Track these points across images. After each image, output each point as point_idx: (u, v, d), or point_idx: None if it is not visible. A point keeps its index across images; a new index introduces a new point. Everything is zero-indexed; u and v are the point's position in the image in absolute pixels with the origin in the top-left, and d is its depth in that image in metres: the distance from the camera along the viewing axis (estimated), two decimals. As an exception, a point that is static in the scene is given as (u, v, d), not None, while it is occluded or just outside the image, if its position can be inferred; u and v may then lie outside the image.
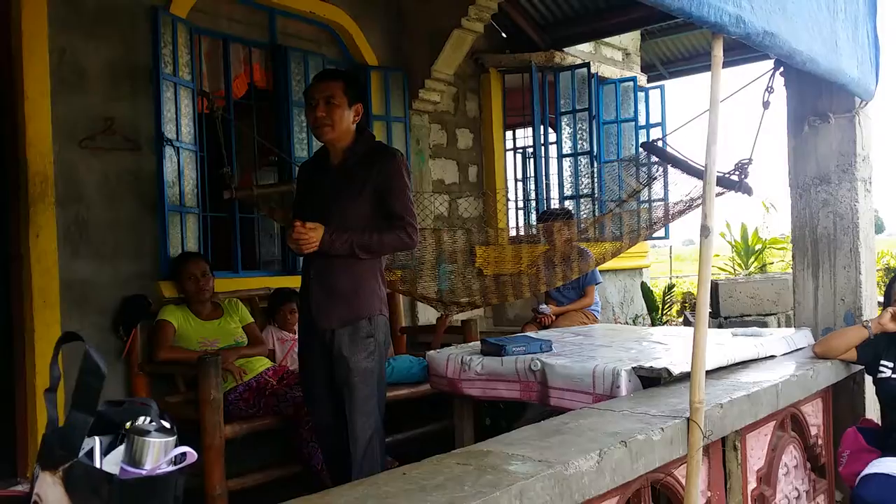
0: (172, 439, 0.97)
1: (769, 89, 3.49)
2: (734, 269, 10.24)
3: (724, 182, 3.88)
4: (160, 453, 0.95)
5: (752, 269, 9.92)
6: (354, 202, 2.95)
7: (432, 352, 3.31)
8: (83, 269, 3.87)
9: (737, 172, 3.82)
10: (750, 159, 3.82)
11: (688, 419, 2.04)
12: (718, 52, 2.11)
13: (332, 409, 3.06)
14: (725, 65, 8.22)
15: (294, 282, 4.69)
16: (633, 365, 2.66)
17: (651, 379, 2.62)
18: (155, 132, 4.15)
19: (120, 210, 4.03)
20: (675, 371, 2.52)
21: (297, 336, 4.21)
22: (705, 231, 2.06)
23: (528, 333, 3.97)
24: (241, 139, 5.03)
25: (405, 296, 5.15)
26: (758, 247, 10.22)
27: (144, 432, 0.96)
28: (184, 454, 0.97)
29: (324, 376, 3.03)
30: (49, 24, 3.79)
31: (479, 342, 3.34)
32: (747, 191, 3.82)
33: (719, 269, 10.41)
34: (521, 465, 1.63)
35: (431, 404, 4.21)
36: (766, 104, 3.51)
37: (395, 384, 4.25)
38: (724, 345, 3.09)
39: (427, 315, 5.58)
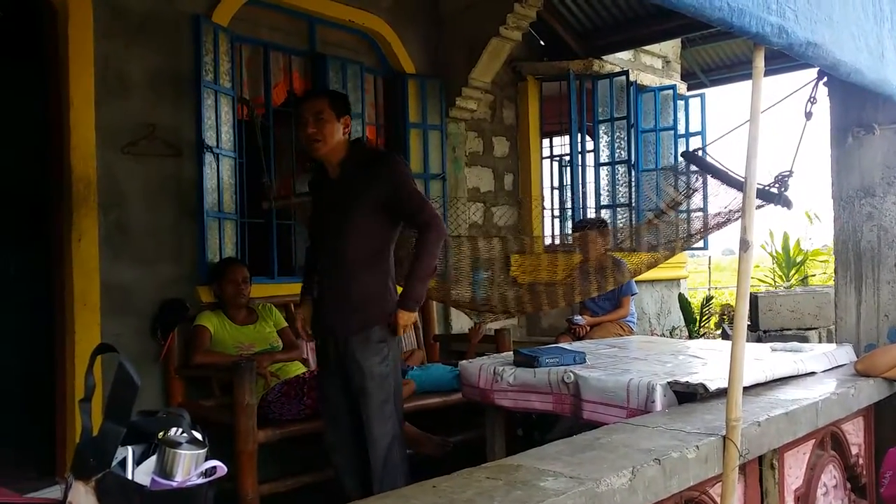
0: (203, 451, 0.98)
1: (812, 100, 3.41)
2: (774, 281, 10.05)
3: (764, 195, 3.81)
4: (191, 465, 0.95)
5: (793, 281, 9.72)
6: (359, 213, 3.03)
7: (465, 361, 3.30)
8: (123, 273, 3.94)
9: (777, 185, 3.75)
10: (791, 171, 3.74)
11: (724, 437, 2.00)
12: (760, 62, 2.08)
13: (349, 421, 3.13)
14: (767, 73, 8.06)
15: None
16: (669, 379, 2.62)
17: (687, 394, 2.58)
18: (196, 139, 4.21)
19: (160, 215, 4.10)
20: (712, 387, 2.48)
21: None
22: (744, 245, 2.03)
23: (561, 345, 3.94)
24: (280, 146, 5.09)
25: (439, 302, 5.15)
26: (799, 258, 10.01)
27: (176, 444, 0.97)
28: (214, 467, 0.97)
29: (340, 386, 3.12)
30: (94, 33, 3.88)
31: (511, 353, 3.32)
32: (787, 204, 3.74)
33: (759, 280, 10.22)
34: (552, 482, 1.62)
35: (464, 413, 4.20)
36: (808, 115, 3.43)
37: (427, 392, 4.27)
38: (762, 360, 3.03)
39: (461, 323, 5.57)
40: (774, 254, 10.21)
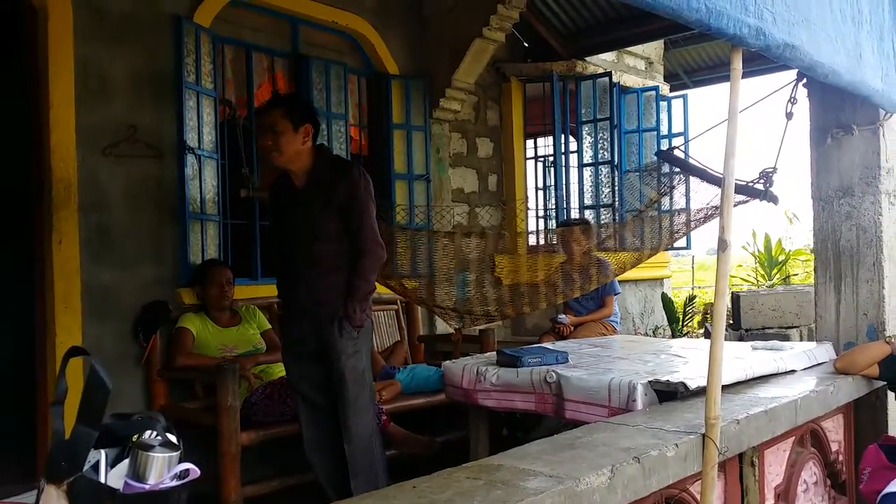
0: (176, 454, 0.98)
1: (792, 100, 3.45)
2: (757, 281, 10.13)
3: (749, 191, 3.84)
4: (164, 468, 0.95)
5: (775, 280, 9.80)
6: (320, 222, 3.15)
7: (448, 362, 3.30)
8: (104, 275, 3.91)
9: (762, 181, 3.78)
10: (775, 168, 3.78)
11: (703, 435, 2.01)
12: (738, 64, 2.10)
13: (326, 419, 3.25)
14: (747, 75, 8.13)
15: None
16: (650, 378, 2.63)
17: (668, 393, 2.60)
18: (177, 140, 4.19)
19: (141, 217, 4.08)
20: (692, 385, 2.50)
21: None
22: (723, 244, 2.04)
23: (544, 344, 3.95)
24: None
25: (420, 306, 5.15)
26: (781, 258, 10.10)
27: (148, 447, 0.97)
28: (187, 470, 0.97)
29: (317, 383, 3.27)
30: (74, 35, 3.85)
31: (495, 353, 3.33)
32: (773, 199, 3.77)
33: (742, 279, 10.30)
34: (532, 481, 1.62)
35: (449, 413, 4.21)
36: (789, 115, 3.47)
37: (413, 393, 4.28)
38: (743, 358, 3.05)
39: (444, 324, 5.57)
40: (756, 253, 10.29)
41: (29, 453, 3.83)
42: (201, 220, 4.30)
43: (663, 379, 2.58)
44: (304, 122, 3.16)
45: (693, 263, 12.61)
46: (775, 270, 10.04)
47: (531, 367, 2.95)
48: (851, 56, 2.66)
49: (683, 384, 2.51)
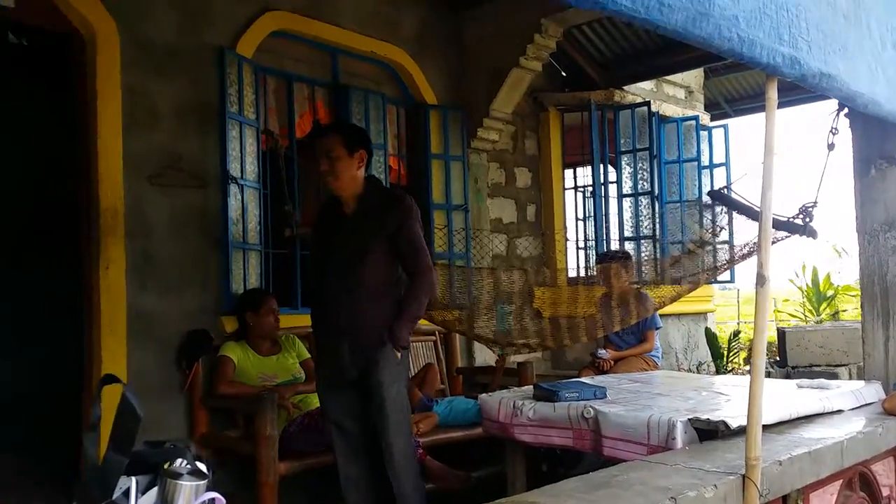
0: (204, 483, 0.98)
1: (833, 130, 3.39)
2: (805, 316, 9.88)
3: (789, 226, 3.77)
4: (191, 497, 0.96)
5: (823, 315, 9.54)
6: (368, 249, 3.19)
7: (484, 395, 3.28)
8: (149, 302, 3.98)
9: (801, 216, 3.71)
10: (815, 202, 3.71)
11: (743, 476, 1.96)
12: (773, 93, 2.06)
13: (365, 455, 3.27)
14: (787, 104, 8.02)
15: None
16: (690, 416, 2.58)
17: (709, 431, 2.54)
18: (220, 169, 4.27)
19: (185, 245, 4.15)
20: (734, 424, 2.43)
21: None
22: (761, 279, 2.00)
23: (583, 379, 3.90)
24: (304, 176, 5.14)
25: (461, 335, 5.13)
26: (830, 293, 9.84)
27: (177, 475, 0.97)
28: (213, 500, 0.97)
29: (357, 416, 3.27)
30: (121, 65, 3.96)
31: (531, 387, 3.29)
32: (812, 234, 3.70)
33: (790, 315, 10.05)
34: (565, 521, 1.60)
35: (488, 447, 4.16)
36: (830, 146, 3.41)
37: (451, 426, 4.24)
38: (787, 397, 2.98)
39: (484, 355, 5.54)
40: (805, 288, 10.04)
41: (77, 475, 3.88)
42: (244, 249, 4.37)
43: (703, 417, 2.53)
44: (359, 149, 3.26)
45: (738, 297, 12.34)
46: (824, 305, 9.78)
47: (568, 401, 2.92)
48: (893, 84, 2.61)
49: (724, 423, 2.45)
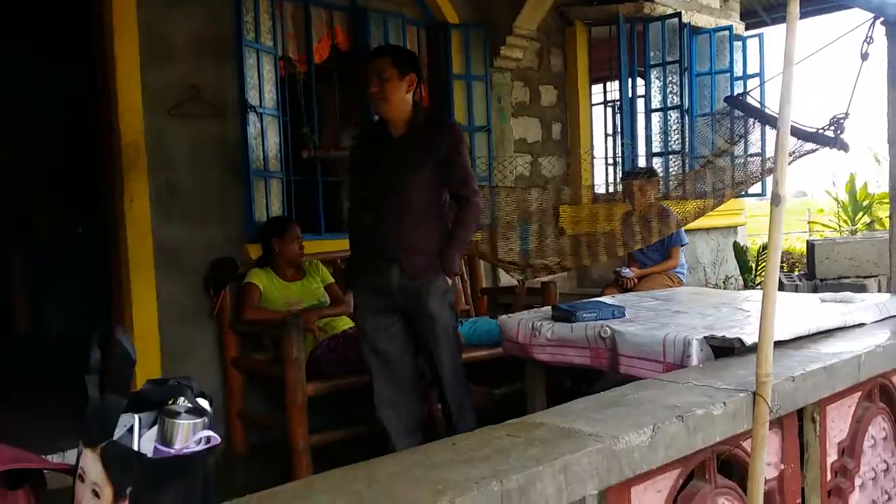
0: (201, 420, 1.03)
1: (868, 39, 3.25)
2: (839, 226, 9.70)
3: (819, 138, 3.68)
4: (189, 434, 1.00)
5: (859, 225, 9.35)
6: (417, 172, 3.21)
7: (504, 316, 3.31)
8: (174, 234, 4.06)
9: (832, 127, 3.61)
10: (847, 113, 3.60)
11: (754, 393, 1.97)
12: (795, 8, 1.98)
13: (403, 374, 3.34)
14: (818, 12, 7.68)
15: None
16: (706, 334, 2.59)
17: (725, 348, 2.55)
18: (238, 99, 4.27)
19: (207, 176, 4.19)
20: (749, 341, 2.43)
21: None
22: (776, 199, 1.96)
23: (606, 297, 3.92)
24: (323, 101, 5.11)
25: (482, 260, 5.15)
26: (866, 203, 9.61)
27: (175, 414, 1.02)
28: (209, 438, 1.02)
29: (397, 335, 3.32)
30: (137, 1, 3.93)
31: (550, 308, 3.32)
32: (843, 147, 3.61)
33: (823, 225, 9.88)
34: (570, 439, 1.63)
35: (511, 365, 4.23)
36: (864, 55, 3.28)
37: (474, 346, 4.31)
38: (808, 312, 2.96)
39: (508, 276, 5.57)
40: (838, 198, 9.82)
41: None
42: (265, 177, 4.39)
43: (719, 334, 2.53)
44: (410, 72, 3.26)
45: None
46: (860, 215, 9.58)
47: (586, 321, 2.94)
48: (929, -9, 2.49)
49: (740, 340, 2.46)
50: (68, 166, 6.44)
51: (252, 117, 4.29)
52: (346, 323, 4.14)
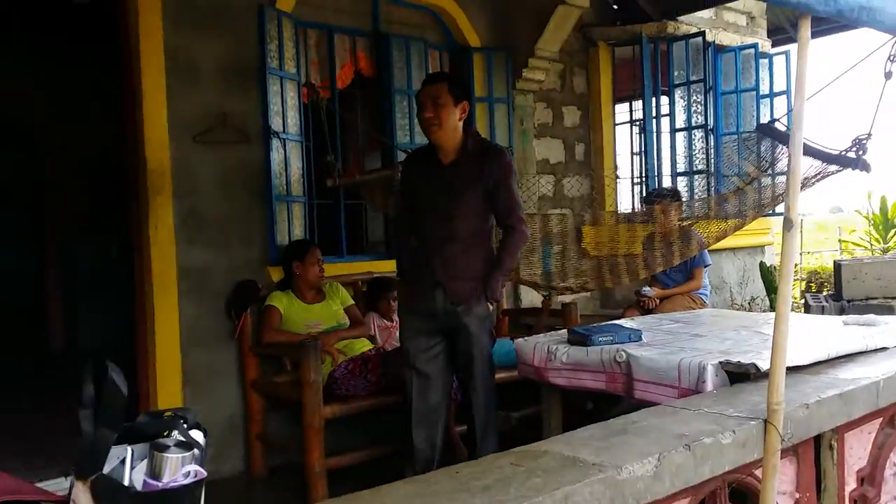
0: (189, 454, 1.04)
1: (891, 58, 3.23)
2: (871, 244, 9.52)
3: (841, 160, 3.65)
4: (177, 468, 1.02)
5: (891, 244, 9.18)
6: (465, 199, 3.27)
7: (520, 339, 3.33)
8: (198, 258, 4.12)
9: (854, 149, 3.58)
10: (869, 134, 3.56)
11: (765, 421, 1.95)
12: (805, 32, 1.97)
13: (438, 394, 3.40)
14: (840, 28, 7.56)
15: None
16: (722, 359, 2.56)
17: (741, 374, 2.52)
18: (262, 125, 4.33)
19: (231, 201, 4.25)
20: (764, 367, 2.40)
21: (396, 323, 4.39)
22: (788, 224, 1.95)
23: (626, 319, 3.89)
24: (347, 127, 5.17)
25: (508, 281, 5.14)
26: (899, 221, 9.45)
27: (163, 447, 1.04)
28: (196, 472, 1.04)
29: (437, 356, 3.39)
30: (163, 25, 4.02)
31: (566, 331, 3.32)
32: (865, 167, 3.57)
33: (854, 244, 9.70)
34: (573, 468, 1.63)
35: (531, 387, 4.21)
36: (888, 75, 3.25)
37: (498, 367, 4.28)
38: (828, 336, 2.92)
39: (530, 296, 5.56)
40: (871, 216, 9.64)
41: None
42: (287, 201, 4.45)
43: (734, 360, 2.51)
44: (464, 99, 3.34)
45: (801, 227, 11.93)
46: (892, 234, 9.40)
47: (601, 345, 2.93)
48: (945, 12, 2.45)
49: (755, 365, 2.44)
50: (107, 185, 6.61)
51: (275, 143, 4.36)
52: (365, 345, 4.16)
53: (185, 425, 1.10)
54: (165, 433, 1.07)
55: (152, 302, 3.94)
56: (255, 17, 4.34)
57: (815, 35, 7.72)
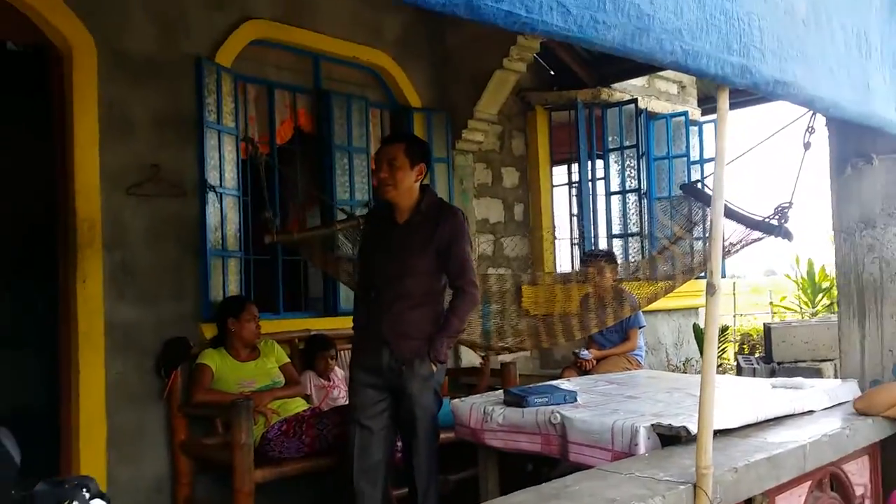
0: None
1: (810, 129, 3.39)
2: (800, 308, 9.85)
3: (764, 226, 3.78)
4: (71, 538, 0.97)
5: (819, 307, 9.52)
6: (417, 259, 3.30)
7: (456, 400, 3.29)
8: (127, 312, 3.99)
9: (776, 217, 3.71)
10: (790, 202, 3.71)
11: (694, 485, 1.96)
12: (724, 104, 2.05)
13: (382, 451, 3.38)
14: (762, 100, 7.93)
15: (336, 323, 4.75)
16: (654, 421, 2.58)
17: (672, 436, 2.54)
18: (199, 178, 4.27)
19: (164, 254, 4.15)
20: (694, 430, 2.42)
21: (333, 383, 4.31)
22: (711, 289, 1.99)
23: (563, 380, 3.90)
24: (287, 183, 5.15)
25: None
26: (825, 284, 9.81)
27: (57, 518, 0.98)
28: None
29: (382, 412, 3.37)
30: (98, 76, 3.96)
31: (502, 392, 3.30)
32: (787, 235, 3.71)
33: (785, 308, 10.02)
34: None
35: (469, 448, 4.16)
36: (806, 145, 3.41)
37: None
38: (757, 399, 2.97)
39: (470, 356, 5.55)
40: (799, 280, 10.00)
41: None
42: (223, 256, 4.37)
43: (665, 423, 2.52)
44: (420, 162, 3.36)
45: (735, 289, 12.30)
46: (819, 297, 9.75)
47: (536, 406, 2.92)
48: (857, 87, 2.59)
49: (685, 428, 2.45)
50: (40, 234, 6.35)
51: (211, 197, 4.29)
52: (300, 405, 4.06)
53: (87, 494, 1.04)
54: (66, 502, 1.00)
55: (77, 358, 3.79)
56: (192, 71, 4.31)
57: (739, 105, 8.11)
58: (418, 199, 3.37)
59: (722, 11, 1.89)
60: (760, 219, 3.58)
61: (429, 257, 3.30)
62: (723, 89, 2.05)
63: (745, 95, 7.43)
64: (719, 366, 7.43)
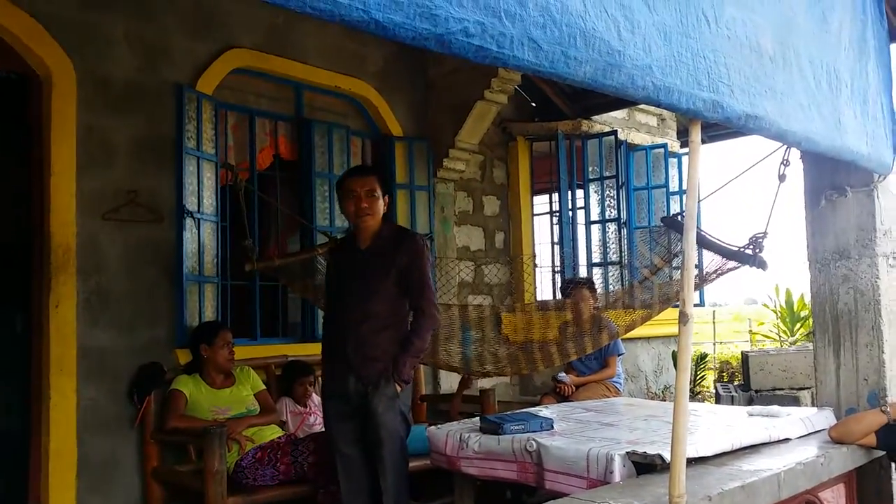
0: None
1: (785, 162, 3.43)
2: (779, 336, 9.92)
3: (739, 256, 3.80)
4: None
5: (798, 336, 9.59)
6: (381, 281, 3.38)
7: (433, 428, 3.27)
8: (101, 338, 3.95)
9: (751, 247, 3.74)
10: (765, 233, 3.74)
11: (668, 514, 1.95)
12: (696, 136, 2.08)
13: (363, 473, 3.40)
14: (736, 134, 8.06)
15: (313, 349, 4.70)
16: (629, 449, 2.57)
17: (647, 464, 2.53)
18: (176, 204, 4.26)
19: (139, 280, 4.12)
20: (669, 458, 2.42)
21: (309, 409, 4.27)
22: (684, 318, 2.01)
23: (541, 407, 3.89)
24: (267, 209, 5.14)
25: (426, 365, 5.11)
26: (803, 313, 9.89)
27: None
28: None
29: (354, 439, 3.41)
30: (78, 103, 3.97)
31: (478, 419, 3.28)
32: (762, 265, 3.73)
33: (764, 336, 10.08)
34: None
35: (446, 475, 4.12)
36: (781, 177, 3.45)
37: (414, 455, 4.19)
38: (733, 427, 2.97)
39: (449, 382, 5.52)
40: (778, 309, 10.09)
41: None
42: (199, 282, 4.34)
43: (641, 450, 2.52)
44: (387, 193, 3.53)
45: (714, 317, 12.38)
46: (798, 326, 9.83)
47: (513, 434, 2.90)
48: (829, 122, 2.64)
49: (660, 456, 2.44)
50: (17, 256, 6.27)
51: (189, 223, 4.28)
52: (275, 432, 4.02)
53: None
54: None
55: (49, 382, 3.74)
56: (173, 98, 4.32)
57: (713, 139, 8.25)
58: (380, 225, 3.49)
59: (687, 49, 1.93)
60: (736, 248, 3.60)
61: (391, 279, 3.38)
62: (695, 123, 2.08)
63: (722, 129, 7.59)
64: (698, 393, 7.47)
